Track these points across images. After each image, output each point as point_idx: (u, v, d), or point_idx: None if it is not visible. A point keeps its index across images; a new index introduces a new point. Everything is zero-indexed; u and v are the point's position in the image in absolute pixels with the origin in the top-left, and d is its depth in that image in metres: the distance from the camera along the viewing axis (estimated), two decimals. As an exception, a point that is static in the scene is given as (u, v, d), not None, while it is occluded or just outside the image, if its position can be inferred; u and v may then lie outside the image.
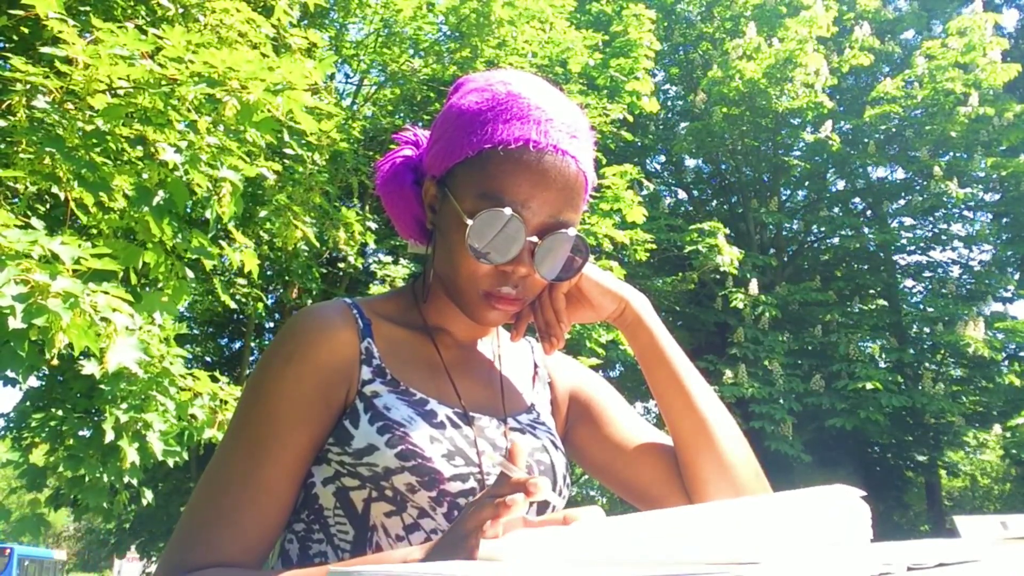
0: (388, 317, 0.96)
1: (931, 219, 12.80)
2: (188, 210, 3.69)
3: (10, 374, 5.23)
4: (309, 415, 0.85)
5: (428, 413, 0.88)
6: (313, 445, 0.86)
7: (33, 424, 4.12)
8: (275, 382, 0.85)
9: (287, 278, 7.13)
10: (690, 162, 14.08)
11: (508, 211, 0.83)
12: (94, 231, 3.30)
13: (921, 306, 12.82)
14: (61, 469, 3.75)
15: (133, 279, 2.93)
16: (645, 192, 10.71)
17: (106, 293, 2.22)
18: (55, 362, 2.10)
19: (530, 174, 0.85)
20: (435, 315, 0.98)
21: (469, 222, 0.84)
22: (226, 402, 3.90)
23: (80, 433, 4.07)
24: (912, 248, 13.10)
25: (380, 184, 1.00)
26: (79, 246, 2.18)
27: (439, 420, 0.88)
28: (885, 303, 12.23)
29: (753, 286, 10.57)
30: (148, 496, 4.36)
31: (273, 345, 0.89)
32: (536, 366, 1.09)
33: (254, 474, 0.82)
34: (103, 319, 2.19)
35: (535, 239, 0.86)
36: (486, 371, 1.01)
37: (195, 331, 9.21)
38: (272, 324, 9.45)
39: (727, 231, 9.51)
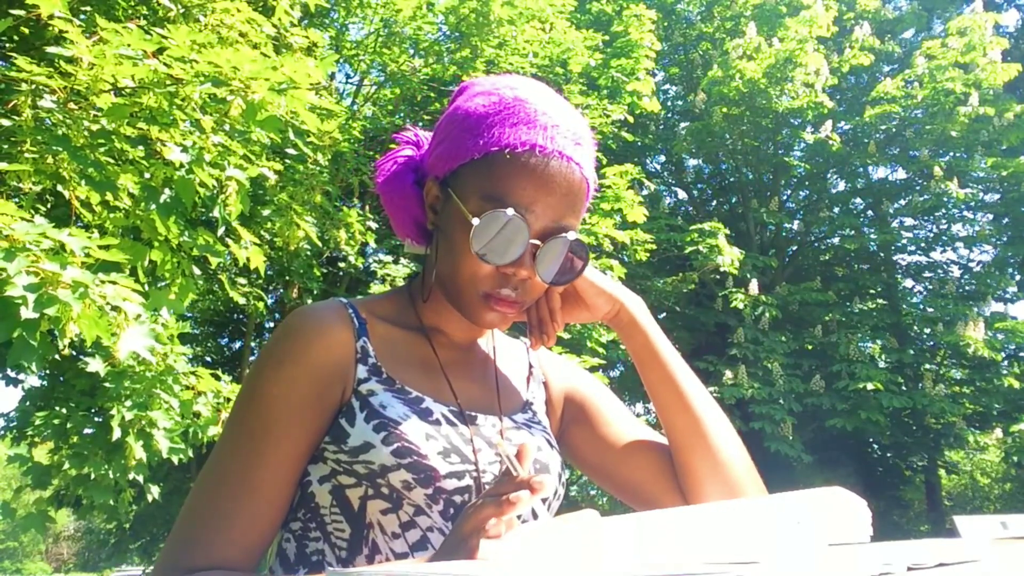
0: (384, 317, 0.96)
1: (931, 219, 12.78)
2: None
3: (11, 373, 5.26)
4: (304, 416, 0.85)
5: (424, 411, 0.88)
6: (308, 446, 0.86)
7: (36, 422, 4.13)
8: (269, 384, 0.85)
9: (288, 278, 7.12)
10: (690, 162, 14.07)
11: (512, 212, 0.84)
12: (96, 229, 3.31)
13: (921, 306, 12.79)
14: (66, 467, 3.76)
15: (142, 277, 2.93)
16: (645, 192, 10.70)
17: (114, 283, 2.22)
18: (66, 351, 2.10)
19: (535, 178, 0.85)
20: (431, 315, 0.98)
21: (474, 222, 0.84)
22: (229, 400, 3.91)
23: (85, 431, 4.08)
24: (912, 248, 13.08)
25: (381, 183, 1.00)
26: (88, 239, 2.19)
27: (435, 418, 0.88)
28: (885, 303, 12.22)
29: (753, 286, 10.56)
30: (154, 492, 4.36)
31: (268, 346, 0.89)
32: (531, 366, 1.09)
33: (249, 476, 0.83)
34: (114, 308, 2.19)
35: (537, 242, 0.87)
36: (482, 370, 1.01)
37: (196, 331, 9.20)
38: (272, 324, 9.44)
39: (727, 231, 9.50)
